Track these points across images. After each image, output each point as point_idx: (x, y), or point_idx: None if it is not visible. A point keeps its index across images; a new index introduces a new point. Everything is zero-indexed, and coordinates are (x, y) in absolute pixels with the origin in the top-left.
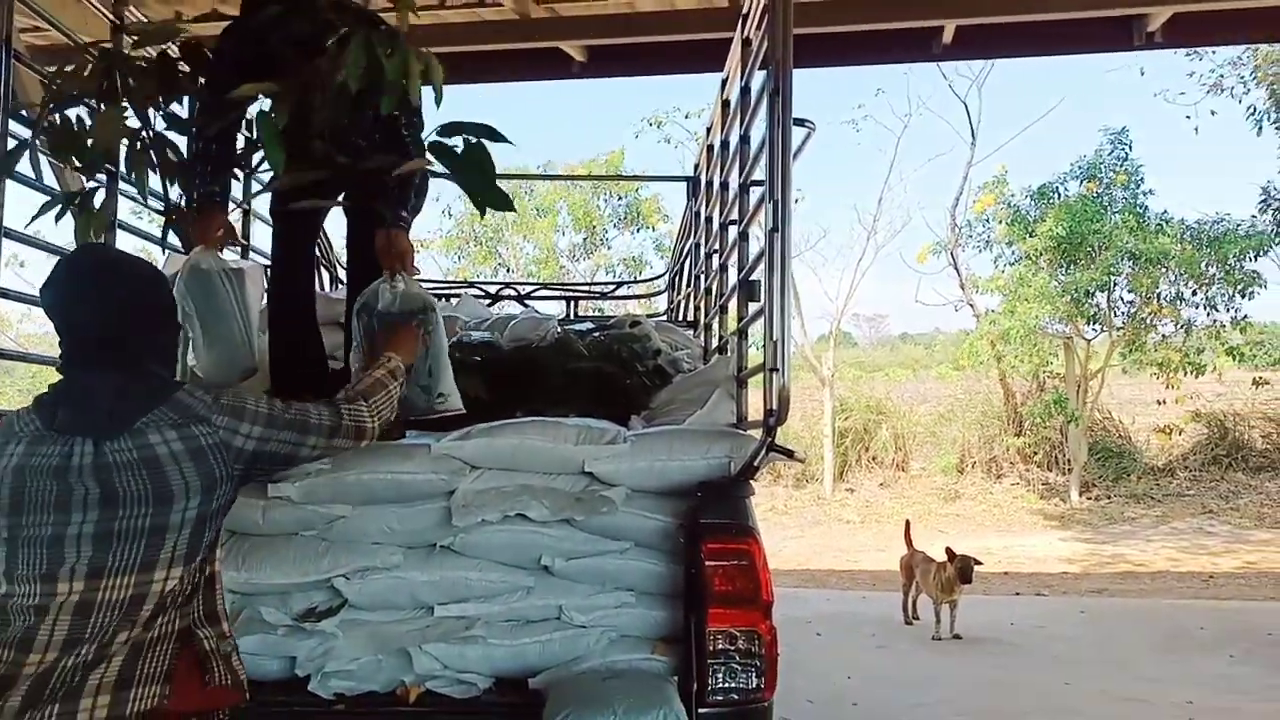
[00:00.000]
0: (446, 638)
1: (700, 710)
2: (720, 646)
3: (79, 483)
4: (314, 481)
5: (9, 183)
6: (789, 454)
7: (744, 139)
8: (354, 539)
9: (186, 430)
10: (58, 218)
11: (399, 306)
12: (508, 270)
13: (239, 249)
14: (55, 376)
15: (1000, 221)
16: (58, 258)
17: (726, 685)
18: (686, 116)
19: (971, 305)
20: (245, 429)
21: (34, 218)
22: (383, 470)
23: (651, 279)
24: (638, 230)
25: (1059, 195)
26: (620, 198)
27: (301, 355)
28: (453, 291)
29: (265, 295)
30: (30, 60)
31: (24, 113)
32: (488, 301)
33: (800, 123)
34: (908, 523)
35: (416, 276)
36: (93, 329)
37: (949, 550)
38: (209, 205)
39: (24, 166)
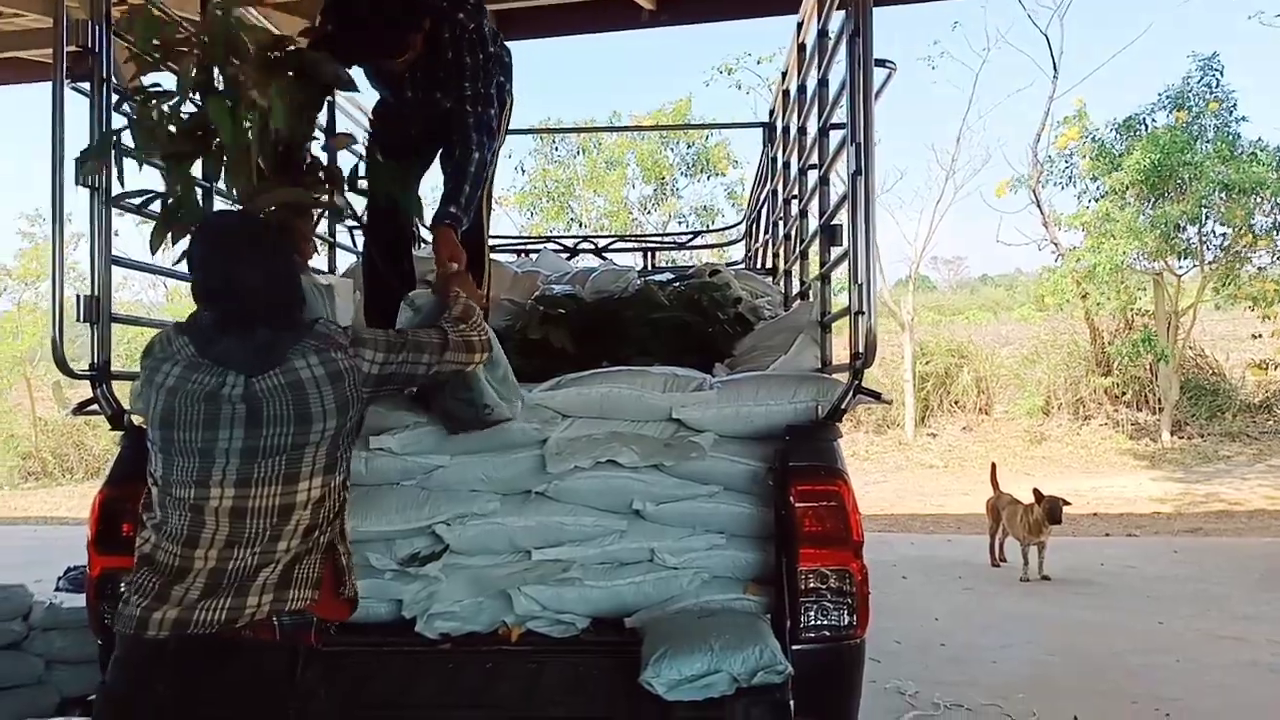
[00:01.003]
0: (544, 580)
1: (794, 647)
2: (812, 585)
3: (228, 405)
4: (413, 433)
5: None
6: (876, 396)
7: (822, 82)
8: (453, 487)
9: (327, 355)
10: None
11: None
12: (580, 224)
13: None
14: None
15: (1084, 156)
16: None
17: (819, 623)
18: (758, 62)
19: (1055, 244)
20: (369, 354)
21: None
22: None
23: (726, 227)
24: (708, 178)
25: (1146, 127)
26: (689, 146)
27: None
28: (532, 247)
29: (355, 309)
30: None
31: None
32: (566, 255)
33: (881, 63)
34: (994, 465)
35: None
36: (245, 289)
37: (1036, 491)
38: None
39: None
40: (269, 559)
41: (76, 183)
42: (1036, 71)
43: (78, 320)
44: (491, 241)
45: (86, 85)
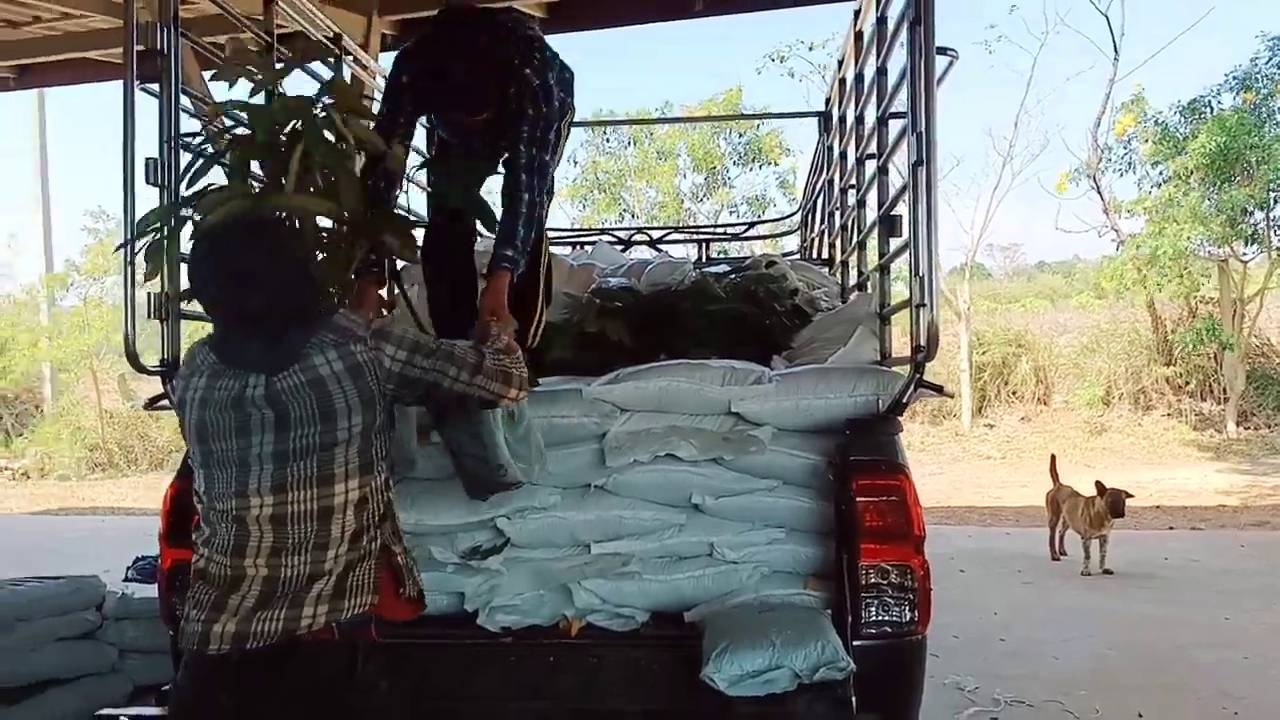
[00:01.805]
0: (604, 573)
1: (855, 643)
2: (873, 581)
3: (254, 409)
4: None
5: None
6: (938, 390)
7: (881, 70)
8: None
9: (345, 349)
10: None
11: None
12: (632, 215)
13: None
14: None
15: (1145, 140)
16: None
17: (880, 619)
18: (810, 49)
19: (1116, 230)
20: (391, 350)
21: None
22: (538, 414)
23: (781, 218)
24: (760, 167)
25: (1211, 109)
26: (740, 135)
27: None
28: (587, 239)
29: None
30: (196, 38)
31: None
32: (621, 247)
33: (943, 51)
34: (1053, 457)
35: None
36: (258, 282)
37: (1098, 484)
38: (367, 276)
39: None
40: (319, 568)
41: (147, 183)
42: (1096, 54)
43: (148, 317)
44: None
45: (155, 86)
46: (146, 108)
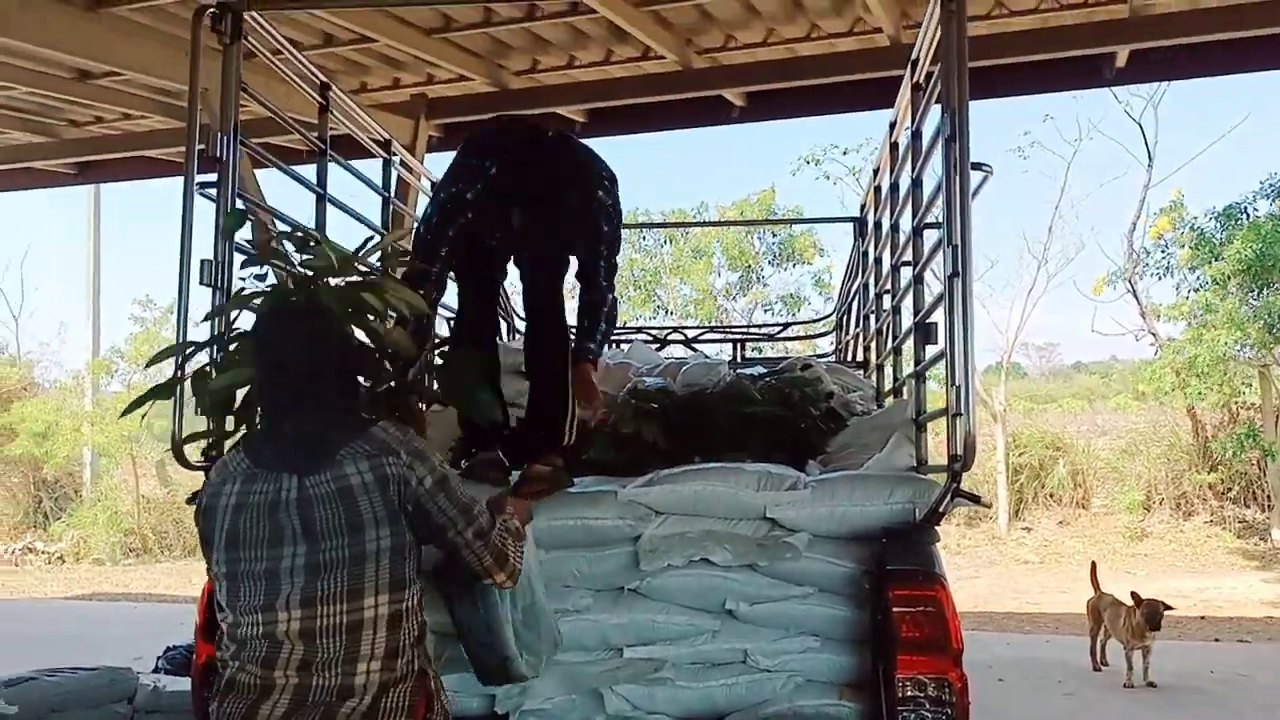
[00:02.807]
0: (636, 679)
1: None
2: (910, 694)
3: (287, 518)
4: None
5: None
6: (975, 499)
7: (916, 182)
8: (547, 581)
9: (377, 460)
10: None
11: None
12: (666, 312)
13: None
14: None
15: (1182, 246)
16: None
17: None
18: (844, 153)
19: (1153, 334)
20: (422, 473)
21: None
22: (573, 516)
23: (815, 320)
24: (794, 266)
25: (1246, 216)
26: (774, 235)
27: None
28: (623, 337)
29: None
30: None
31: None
32: (656, 346)
33: (978, 166)
34: (1093, 564)
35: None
36: (301, 370)
37: (1135, 595)
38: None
39: None
40: (351, 681)
41: (201, 283)
42: (1130, 160)
43: (196, 413)
44: None
45: (213, 191)
46: (202, 209)
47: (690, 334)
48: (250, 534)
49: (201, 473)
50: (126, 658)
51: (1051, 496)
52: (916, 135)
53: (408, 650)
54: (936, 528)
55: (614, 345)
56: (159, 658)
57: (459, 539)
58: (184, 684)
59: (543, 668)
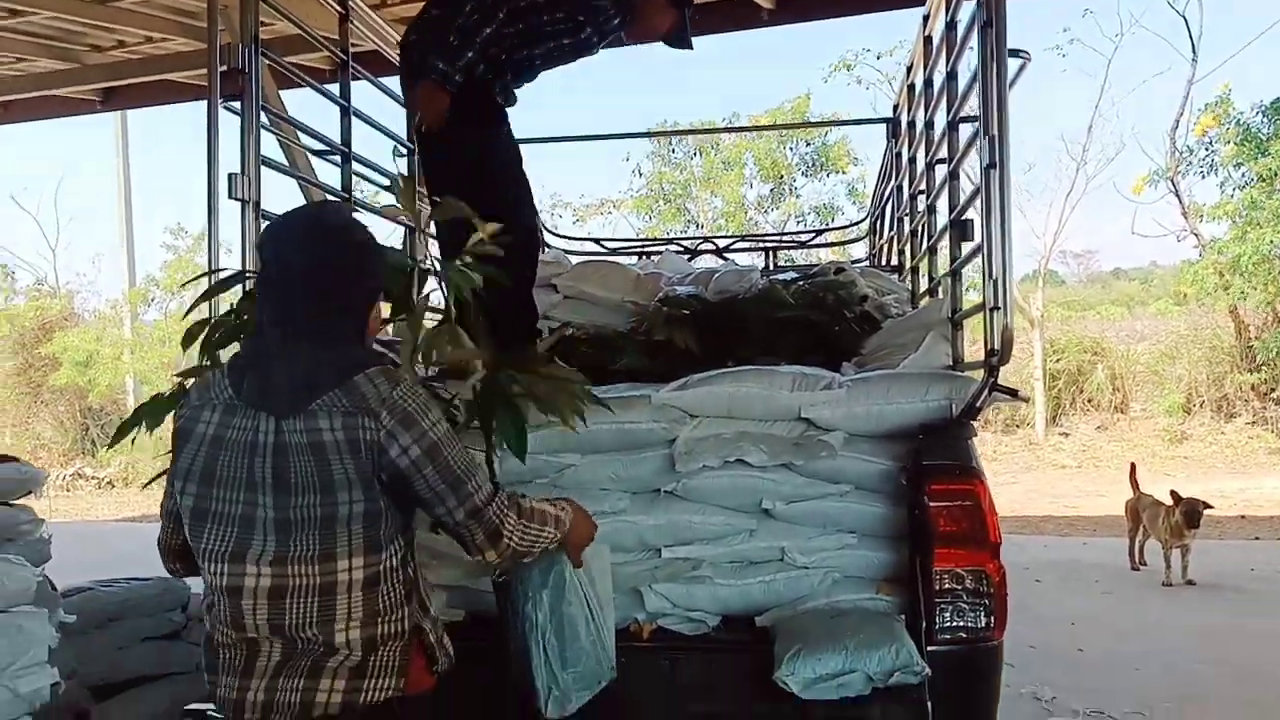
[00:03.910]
0: (674, 578)
1: (929, 648)
2: (947, 586)
3: (261, 464)
4: (543, 433)
5: None
6: (1013, 394)
7: (951, 75)
8: (583, 485)
9: (352, 421)
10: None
11: None
12: (697, 225)
13: None
14: None
15: (1227, 142)
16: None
17: (955, 624)
18: (878, 57)
19: (1196, 234)
20: (405, 441)
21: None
22: (608, 420)
23: (849, 225)
24: (827, 175)
25: None
26: (807, 144)
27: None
28: (653, 249)
29: None
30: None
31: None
32: (688, 257)
33: (1015, 53)
34: (1133, 465)
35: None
36: (293, 289)
37: (1174, 493)
38: None
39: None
40: (332, 639)
41: (230, 197)
42: (1174, 56)
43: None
44: (612, 245)
45: (236, 104)
46: (226, 126)
47: (721, 244)
48: (225, 473)
49: None
50: None
51: (1090, 402)
52: (951, 26)
53: (393, 609)
54: (973, 424)
55: (644, 256)
56: None
57: (448, 517)
58: None
59: (573, 705)
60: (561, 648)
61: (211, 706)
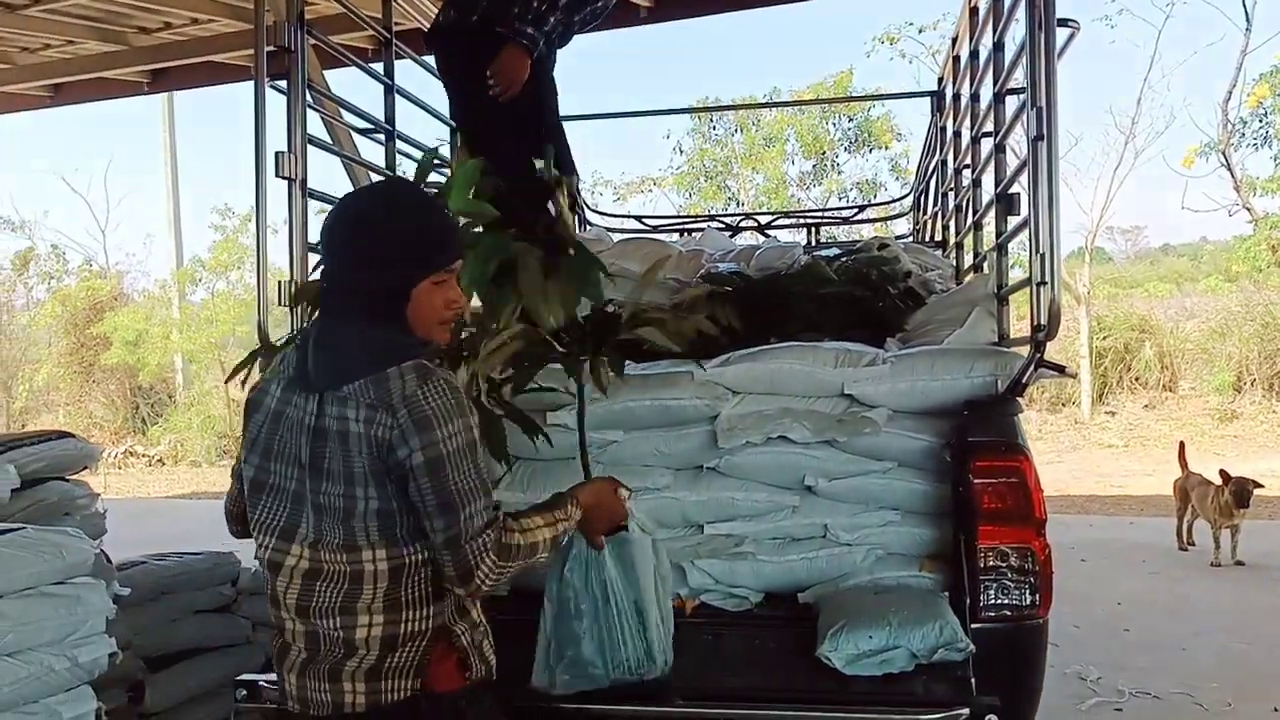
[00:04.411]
0: (717, 554)
1: (974, 625)
2: (991, 563)
3: (305, 443)
4: (589, 408)
5: None
6: (1059, 369)
7: (998, 46)
8: (627, 462)
9: (372, 414)
10: None
11: None
12: (738, 203)
13: None
14: None
15: None
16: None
17: (1000, 601)
18: (920, 31)
19: (1248, 208)
20: (414, 444)
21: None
22: (649, 397)
23: (892, 200)
24: (870, 151)
25: None
26: (850, 119)
27: None
28: (695, 226)
29: None
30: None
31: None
32: (729, 234)
33: (1064, 22)
34: (1181, 444)
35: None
36: (333, 266)
37: (1223, 472)
38: None
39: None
40: (351, 634)
41: (277, 175)
42: (1226, 25)
43: (278, 305)
44: (654, 222)
45: (282, 83)
46: (272, 105)
47: (763, 220)
48: (280, 448)
49: None
50: (228, 549)
51: (1137, 380)
52: None
53: (417, 606)
54: (1019, 400)
55: (685, 234)
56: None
57: (429, 535)
58: None
59: (558, 687)
60: (556, 627)
61: (263, 677)
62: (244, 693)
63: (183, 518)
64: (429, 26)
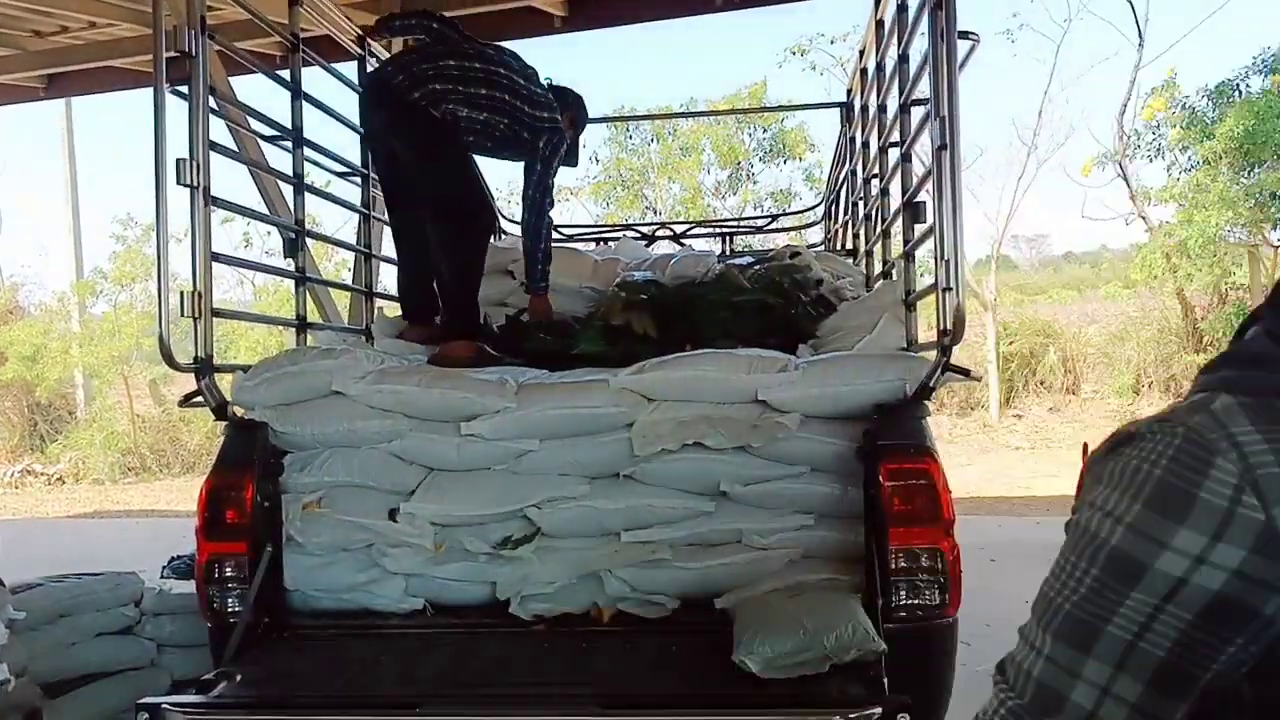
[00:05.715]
0: (634, 561)
1: (886, 625)
2: (902, 564)
3: None
4: (501, 419)
5: None
6: (965, 373)
7: (903, 58)
8: (543, 471)
9: None
10: None
11: None
12: (655, 212)
13: None
14: None
15: (1173, 126)
16: None
17: (911, 602)
18: (831, 42)
19: (1143, 217)
20: None
21: None
22: (565, 405)
23: (804, 210)
24: (784, 162)
25: (1239, 93)
26: (765, 130)
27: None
28: (611, 235)
29: None
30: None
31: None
32: (645, 243)
33: (964, 35)
34: (1085, 445)
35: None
36: None
37: None
38: None
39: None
40: None
41: (178, 182)
42: (1121, 40)
43: (181, 315)
44: (570, 231)
45: (183, 88)
46: (174, 111)
47: (678, 229)
48: None
49: (191, 374)
50: (132, 570)
51: (1042, 384)
52: (902, 9)
53: None
54: (927, 404)
55: (601, 242)
56: (164, 567)
57: None
58: (190, 587)
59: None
60: None
61: (167, 700)
62: (147, 717)
63: (85, 538)
64: (373, 76)
